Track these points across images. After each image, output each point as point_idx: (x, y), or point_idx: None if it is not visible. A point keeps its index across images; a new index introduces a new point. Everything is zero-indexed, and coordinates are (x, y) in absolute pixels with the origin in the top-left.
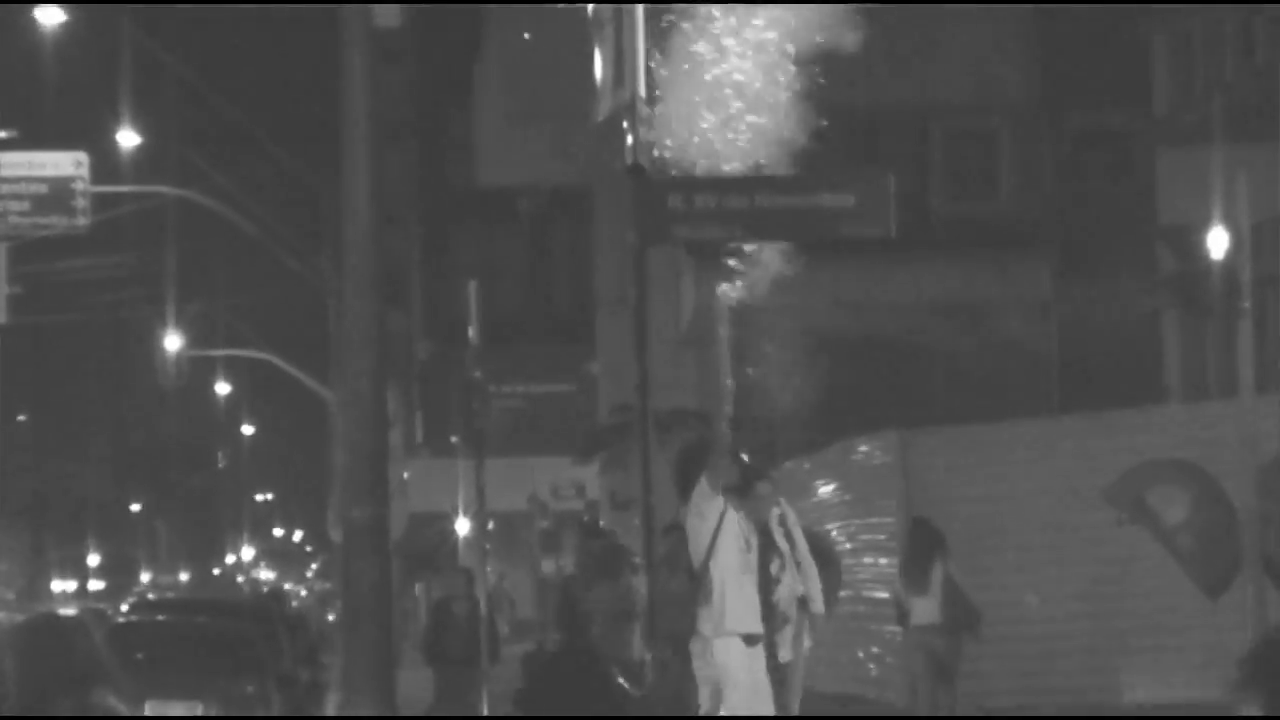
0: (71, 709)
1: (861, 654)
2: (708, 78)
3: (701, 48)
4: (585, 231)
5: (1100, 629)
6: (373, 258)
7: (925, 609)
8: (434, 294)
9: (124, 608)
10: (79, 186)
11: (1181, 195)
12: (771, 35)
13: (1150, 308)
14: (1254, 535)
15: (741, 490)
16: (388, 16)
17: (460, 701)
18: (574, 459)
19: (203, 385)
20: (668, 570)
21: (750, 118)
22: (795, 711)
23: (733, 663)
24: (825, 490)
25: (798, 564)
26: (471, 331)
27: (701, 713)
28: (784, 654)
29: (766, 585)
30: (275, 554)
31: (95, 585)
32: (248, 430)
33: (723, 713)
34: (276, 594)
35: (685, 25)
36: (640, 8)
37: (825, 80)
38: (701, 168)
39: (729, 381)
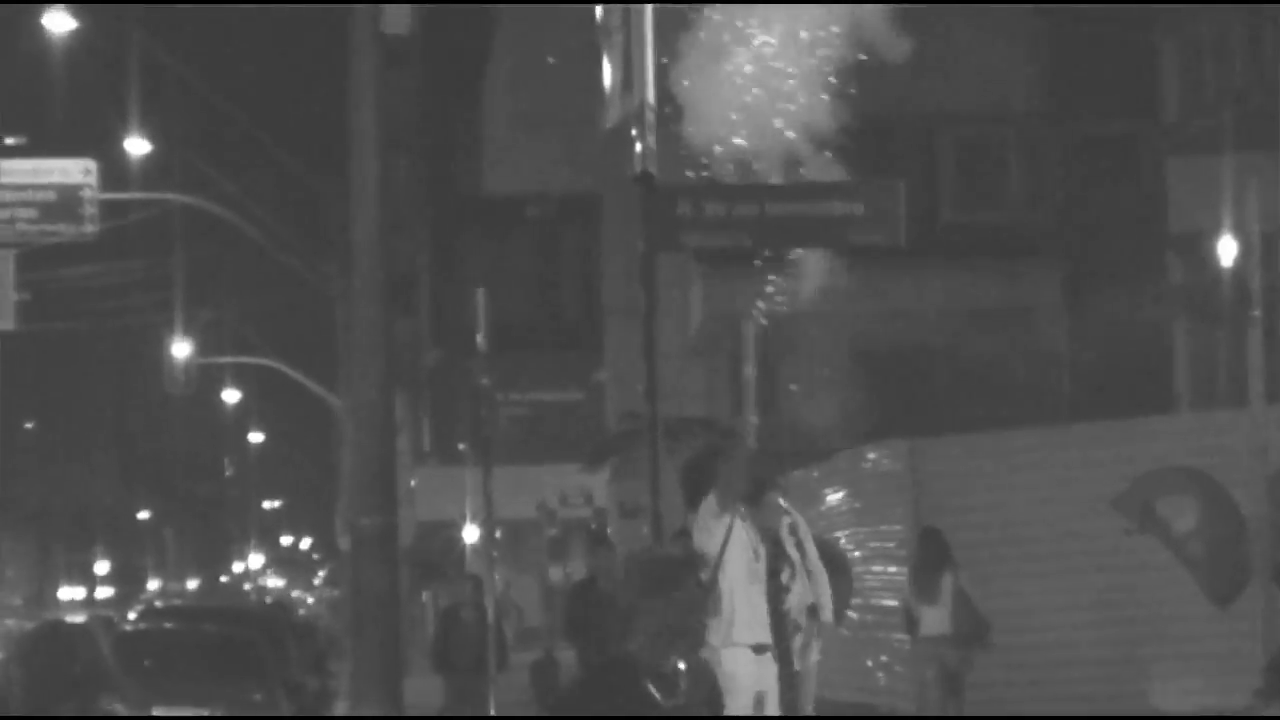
0: (77, 714)
1: (870, 662)
2: (729, 68)
3: (726, 39)
4: (594, 239)
5: (1110, 638)
6: (380, 265)
7: (935, 619)
8: (442, 301)
9: (131, 615)
10: (87, 194)
11: (1191, 203)
12: (804, 35)
13: (1160, 316)
14: (1264, 544)
15: (752, 499)
16: (396, 23)
17: (467, 709)
18: (582, 466)
19: (210, 392)
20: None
21: (775, 113)
22: None
23: (740, 672)
24: (834, 498)
25: (809, 572)
26: (479, 339)
27: None
28: (795, 663)
29: (777, 594)
30: (283, 561)
31: (103, 592)
32: (255, 438)
33: None
34: (284, 602)
35: (715, 18)
36: (650, 13)
37: (837, 89)
38: (719, 156)
39: (751, 390)
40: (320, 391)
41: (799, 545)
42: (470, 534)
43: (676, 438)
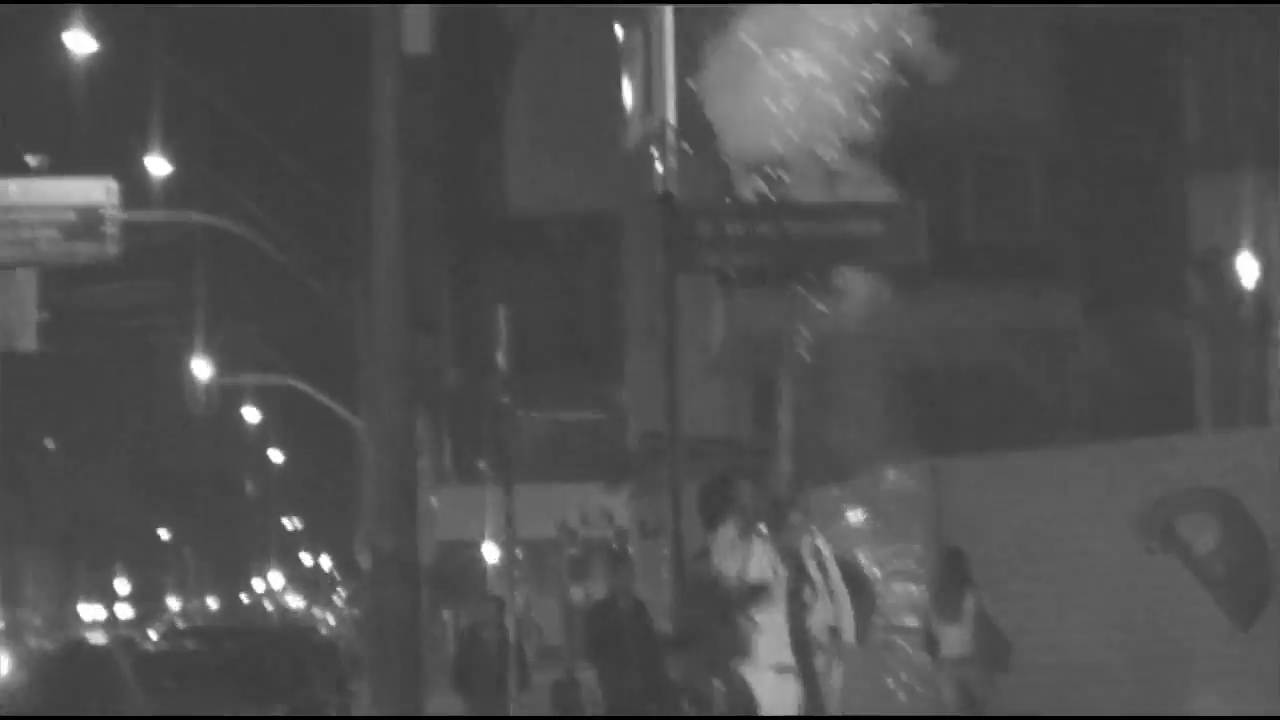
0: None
1: (891, 682)
2: (758, 80)
3: (755, 50)
4: (615, 258)
5: (1131, 659)
6: (401, 284)
7: (956, 639)
8: (463, 320)
9: (153, 635)
10: (108, 213)
11: (1213, 222)
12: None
13: (1182, 335)
14: None
15: (773, 519)
16: (417, 42)
17: None
18: (603, 486)
19: (231, 411)
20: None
21: (806, 126)
22: None
23: (762, 694)
24: (856, 518)
25: (830, 593)
26: (500, 358)
27: None
28: (817, 683)
29: (798, 614)
30: (304, 581)
31: (124, 612)
32: (276, 456)
33: None
34: (305, 621)
35: (743, 31)
36: (670, 35)
37: (863, 105)
38: (746, 168)
39: (783, 409)
40: (341, 411)
41: (821, 566)
42: (491, 553)
43: (697, 458)
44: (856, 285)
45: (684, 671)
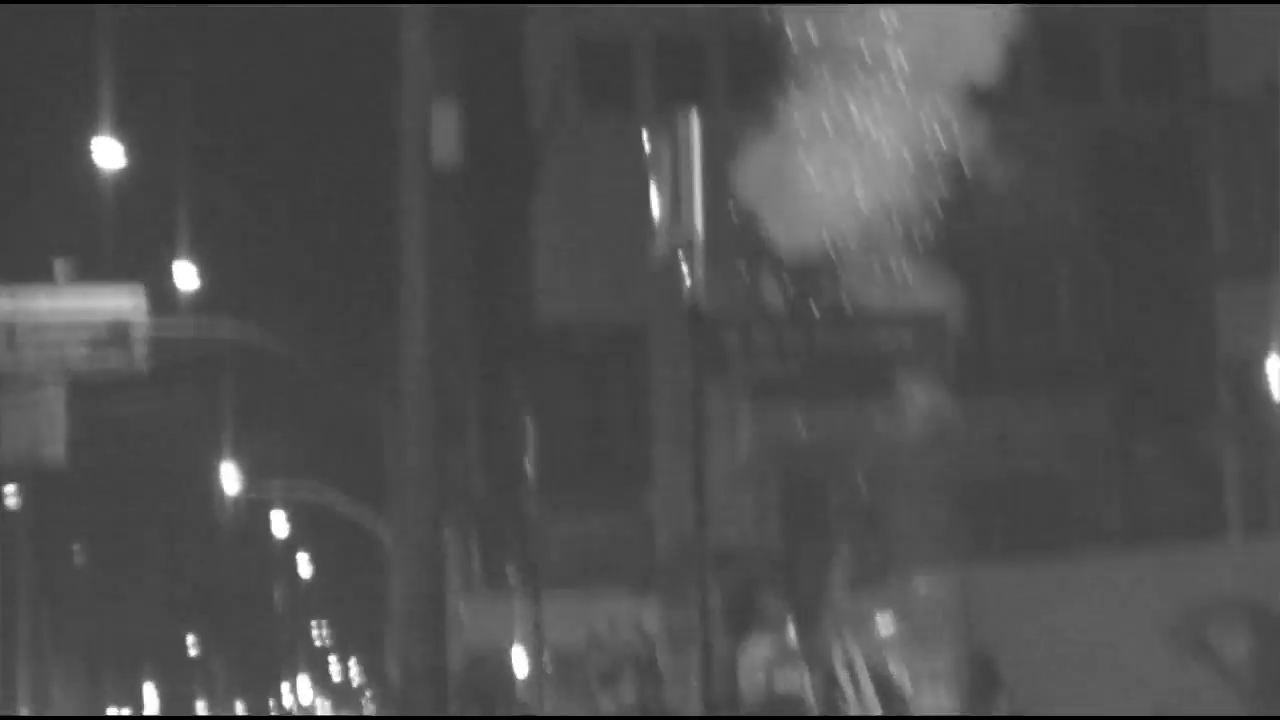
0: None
1: None
2: (803, 165)
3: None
4: (643, 366)
5: None
6: (429, 394)
7: None
8: (491, 429)
9: None
10: (137, 326)
11: (1242, 330)
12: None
13: (1212, 443)
14: None
15: (803, 629)
16: (445, 154)
17: None
18: (632, 594)
19: (259, 521)
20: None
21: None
22: None
23: None
24: (887, 626)
25: (862, 702)
26: (528, 466)
27: None
28: None
29: None
30: (332, 689)
31: None
32: (304, 565)
33: None
34: None
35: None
36: (697, 141)
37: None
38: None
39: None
40: (369, 522)
41: (853, 675)
42: (520, 662)
43: (724, 566)
44: (891, 394)
45: None
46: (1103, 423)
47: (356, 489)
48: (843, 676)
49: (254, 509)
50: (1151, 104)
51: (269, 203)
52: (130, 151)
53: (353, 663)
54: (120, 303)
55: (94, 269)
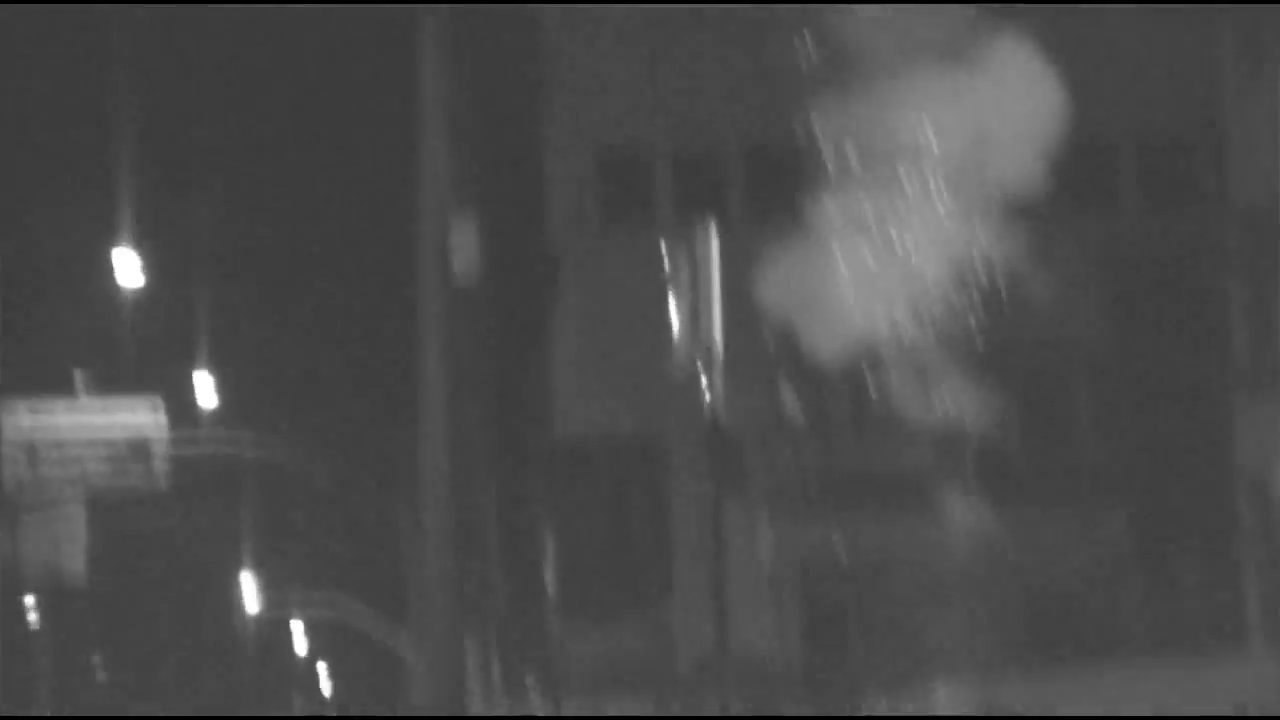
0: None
1: None
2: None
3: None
4: (663, 480)
5: None
6: (449, 507)
7: None
8: (511, 542)
9: None
10: (157, 442)
11: (1261, 441)
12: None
13: (1230, 557)
14: None
15: None
16: (465, 263)
17: None
18: (651, 706)
19: (280, 636)
20: None
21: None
22: None
23: None
24: None
25: None
26: (548, 579)
27: None
28: None
29: None
30: None
31: None
32: (324, 681)
33: None
34: None
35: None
36: (716, 256)
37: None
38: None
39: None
40: (389, 635)
41: None
42: None
43: (746, 679)
44: (915, 507)
45: None
46: (1125, 533)
47: (377, 601)
48: None
49: (274, 623)
50: (1170, 215)
51: (287, 315)
52: (149, 263)
53: None
54: (140, 417)
55: (113, 380)
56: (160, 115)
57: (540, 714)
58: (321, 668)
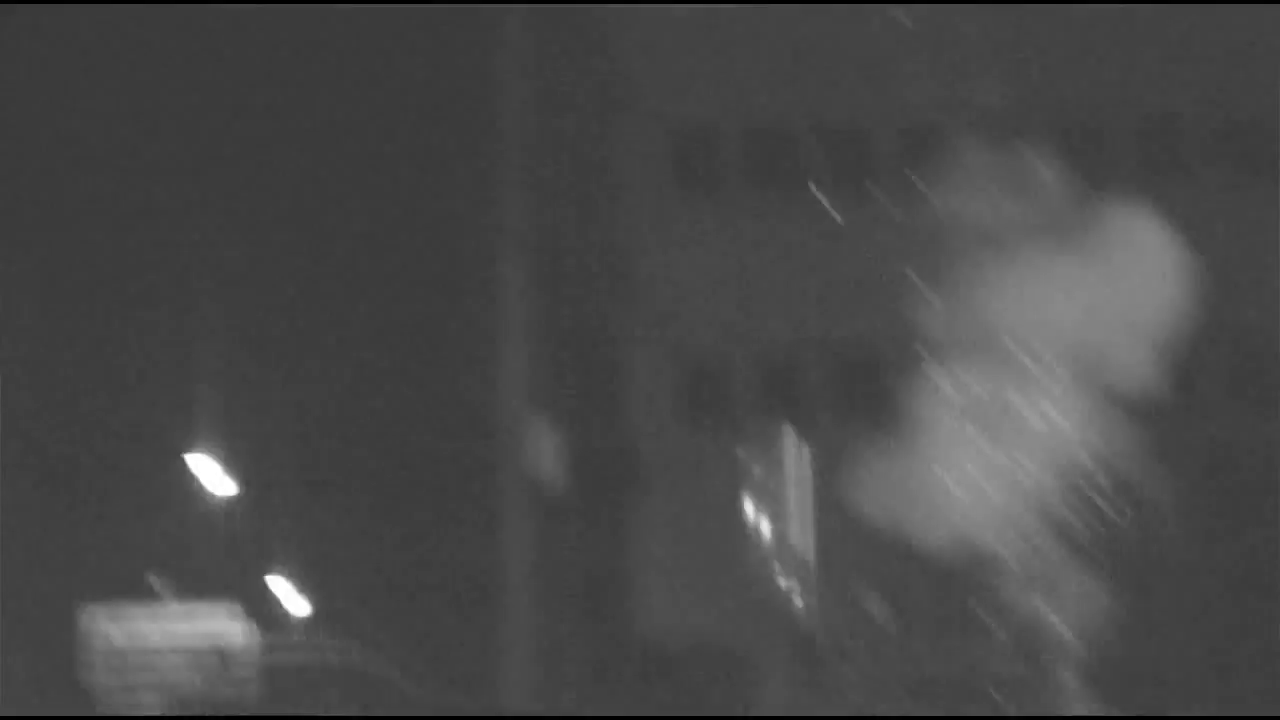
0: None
1: None
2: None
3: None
4: (749, 690)
5: None
6: (534, 713)
7: None
8: None
9: None
10: (241, 650)
11: None
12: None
13: None
14: None
15: None
16: (547, 468)
17: None
18: None
19: None
20: None
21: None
22: None
23: None
24: None
25: None
26: None
27: None
28: None
29: None
30: None
31: None
32: None
33: None
34: None
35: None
36: (800, 461)
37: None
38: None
39: None
40: None
41: None
42: None
43: None
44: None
45: None
46: None
47: None
48: None
49: None
50: (1259, 416)
51: (369, 520)
52: (230, 468)
53: None
54: (223, 625)
55: (194, 586)
56: (240, 323)
57: None
58: None
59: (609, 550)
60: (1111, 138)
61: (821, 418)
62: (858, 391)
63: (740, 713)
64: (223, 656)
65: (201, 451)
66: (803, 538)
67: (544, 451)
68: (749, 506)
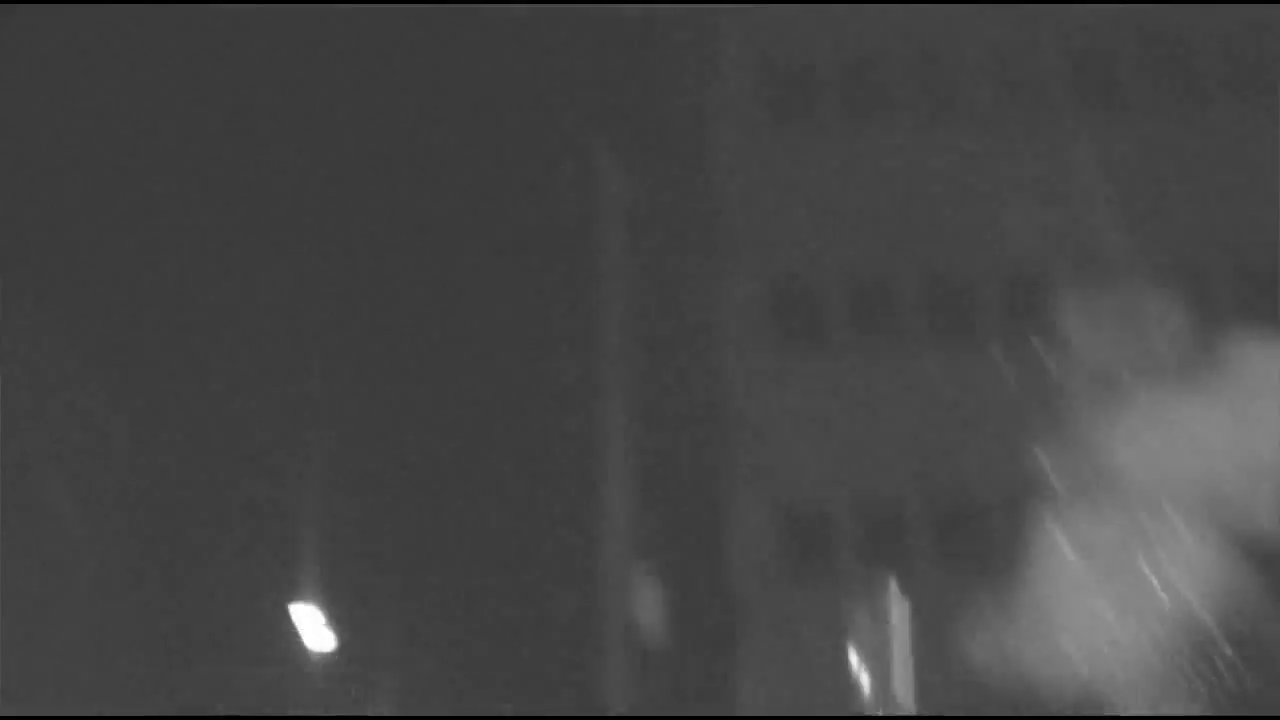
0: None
1: None
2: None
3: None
4: None
5: None
6: None
7: None
8: None
9: None
10: None
11: None
12: None
13: None
14: None
15: None
16: (648, 620)
17: None
18: None
19: None
20: None
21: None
22: None
23: None
24: None
25: None
26: None
27: None
28: None
29: None
30: None
31: None
32: None
33: None
34: None
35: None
36: (901, 612)
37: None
38: None
39: None
40: None
41: None
42: None
43: None
44: None
45: None
46: None
47: None
48: None
49: None
50: None
51: (471, 673)
52: (330, 618)
53: None
54: None
55: None
56: (342, 477)
57: None
58: None
59: (709, 702)
60: (1226, 274)
61: (926, 568)
62: (963, 540)
63: None
64: None
65: (305, 602)
66: (905, 691)
67: (645, 601)
68: (852, 658)
